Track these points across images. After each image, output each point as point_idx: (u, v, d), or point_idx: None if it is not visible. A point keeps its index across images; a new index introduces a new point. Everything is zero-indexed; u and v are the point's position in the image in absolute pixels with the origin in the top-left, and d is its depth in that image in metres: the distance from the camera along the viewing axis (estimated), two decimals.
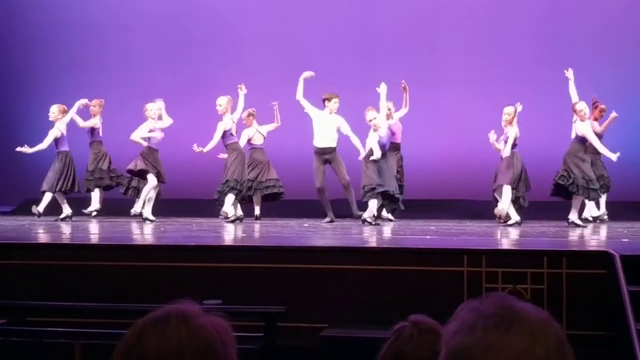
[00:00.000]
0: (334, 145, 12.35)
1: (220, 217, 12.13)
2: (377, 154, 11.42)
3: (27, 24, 15.38)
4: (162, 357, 1.53)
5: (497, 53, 14.09)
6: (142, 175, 12.21)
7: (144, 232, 10.85)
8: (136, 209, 12.11)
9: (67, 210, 12.46)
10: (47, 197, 12.48)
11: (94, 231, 11.02)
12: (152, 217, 11.99)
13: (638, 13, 13.89)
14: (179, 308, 1.61)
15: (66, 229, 11.01)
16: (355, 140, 12.24)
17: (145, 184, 12.29)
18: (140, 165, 12.05)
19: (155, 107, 12.45)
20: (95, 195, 12.87)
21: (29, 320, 6.94)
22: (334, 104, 12.32)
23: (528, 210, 12.35)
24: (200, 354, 1.54)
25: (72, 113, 12.55)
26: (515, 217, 11.41)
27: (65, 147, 12.56)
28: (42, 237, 10.25)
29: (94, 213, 12.77)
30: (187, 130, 13.82)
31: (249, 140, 12.74)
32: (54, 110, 12.55)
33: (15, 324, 6.52)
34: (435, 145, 13.80)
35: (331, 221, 12.08)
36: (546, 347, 1.41)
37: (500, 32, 14.17)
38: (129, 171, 12.26)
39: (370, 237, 9.98)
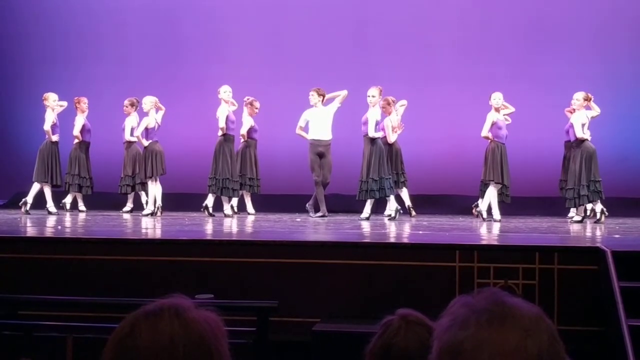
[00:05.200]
0: (326, 138, 12.35)
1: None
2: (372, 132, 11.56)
3: (23, 18, 15.33)
4: (155, 350, 1.53)
5: (488, 51, 14.11)
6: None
7: (136, 227, 10.84)
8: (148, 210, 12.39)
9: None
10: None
11: (87, 225, 11.00)
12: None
13: (627, 10, 13.92)
14: (171, 302, 1.61)
15: (59, 223, 10.99)
16: (342, 93, 12.36)
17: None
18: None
19: (149, 101, 12.52)
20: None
21: (21, 314, 6.92)
22: (311, 97, 12.38)
23: (520, 206, 12.39)
24: (193, 347, 1.55)
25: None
26: (496, 215, 11.47)
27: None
28: (34, 231, 10.22)
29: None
30: (179, 125, 13.83)
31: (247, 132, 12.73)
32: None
33: (7, 317, 6.50)
34: (427, 142, 13.81)
35: (323, 215, 12.11)
36: (538, 343, 1.41)
37: (492, 31, 14.18)
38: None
39: (362, 232, 9.98)
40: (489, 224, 11.00)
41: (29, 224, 10.89)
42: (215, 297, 6.75)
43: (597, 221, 11.10)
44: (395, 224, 10.98)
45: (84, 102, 13.04)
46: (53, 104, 12.67)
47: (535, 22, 14.12)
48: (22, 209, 12.32)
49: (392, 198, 11.77)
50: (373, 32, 14.48)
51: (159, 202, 12.34)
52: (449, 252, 7.42)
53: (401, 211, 11.89)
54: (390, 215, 11.65)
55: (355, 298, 7.44)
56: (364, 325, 6.19)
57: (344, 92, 12.40)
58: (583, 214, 11.40)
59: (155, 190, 12.38)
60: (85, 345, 5.63)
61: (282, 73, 14.28)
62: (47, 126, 12.51)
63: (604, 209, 11.18)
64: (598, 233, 9.90)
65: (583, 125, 11.21)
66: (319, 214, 12.20)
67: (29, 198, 12.40)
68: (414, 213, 12.43)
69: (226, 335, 1.63)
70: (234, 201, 12.41)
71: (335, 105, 12.43)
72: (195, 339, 1.56)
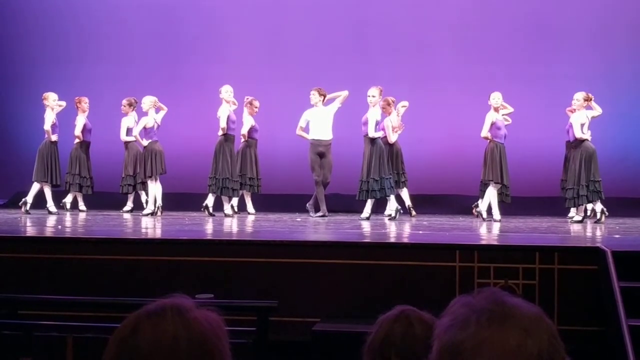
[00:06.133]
0: (327, 137, 12.35)
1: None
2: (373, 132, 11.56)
3: (22, 17, 15.33)
4: (157, 348, 1.53)
5: (487, 50, 14.11)
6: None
7: (136, 226, 10.84)
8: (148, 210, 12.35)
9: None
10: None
11: (87, 225, 11.00)
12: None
13: (627, 11, 13.92)
14: (173, 301, 1.61)
15: (59, 223, 10.99)
16: (343, 93, 12.36)
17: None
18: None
19: (149, 100, 12.53)
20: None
21: (21, 314, 6.92)
22: (312, 96, 12.40)
23: (520, 206, 12.39)
24: (195, 346, 1.55)
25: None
26: (495, 215, 11.48)
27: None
28: (34, 230, 10.22)
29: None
30: (180, 124, 13.83)
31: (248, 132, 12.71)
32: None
33: (7, 317, 6.49)
34: (427, 142, 13.82)
35: (323, 215, 12.11)
36: (538, 343, 1.41)
37: (492, 31, 14.18)
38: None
39: (362, 232, 9.98)
40: (489, 224, 11.00)
41: (29, 224, 10.89)
42: (215, 297, 6.74)
43: (598, 221, 11.09)
44: (395, 224, 10.98)
45: (85, 102, 13.06)
46: (53, 104, 12.68)
47: (535, 22, 14.12)
48: (22, 209, 12.32)
49: (392, 198, 11.78)
50: (373, 32, 14.48)
51: (159, 202, 12.33)
52: (449, 252, 7.42)
53: (401, 211, 11.89)
54: (390, 215, 11.65)
55: (355, 298, 7.44)
56: (364, 325, 6.18)
57: (345, 93, 12.41)
58: (583, 214, 11.40)
59: (155, 189, 12.37)
60: (85, 345, 5.63)
61: (282, 73, 14.28)
62: (47, 126, 12.51)
63: (604, 209, 11.17)
64: (598, 233, 9.90)
65: (582, 125, 11.20)
66: (319, 213, 12.20)
67: (29, 198, 12.41)
68: (414, 213, 12.43)
69: (227, 335, 1.63)
70: (234, 201, 12.41)
71: (335, 105, 12.44)
72: (198, 338, 1.56)
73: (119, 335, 1.58)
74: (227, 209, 12.12)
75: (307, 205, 12.51)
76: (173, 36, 14.93)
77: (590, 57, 13.86)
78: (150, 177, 12.34)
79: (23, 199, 12.44)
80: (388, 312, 2.73)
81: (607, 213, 11.20)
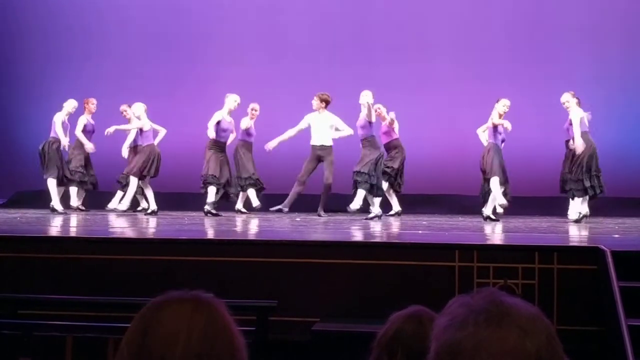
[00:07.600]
0: (327, 143, 12.32)
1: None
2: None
3: (24, 18, 15.33)
4: (176, 327, 1.59)
5: (485, 51, 14.12)
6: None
7: (135, 226, 10.84)
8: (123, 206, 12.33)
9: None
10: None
11: (86, 224, 11.00)
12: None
13: (619, 11, 13.94)
14: (196, 292, 1.70)
15: (58, 222, 10.99)
16: (347, 132, 12.33)
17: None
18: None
19: (139, 106, 12.55)
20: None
21: (21, 313, 6.92)
22: (313, 102, 12.35)
23: (520, 206, 12.39)
24: (213, 327, 1.60)
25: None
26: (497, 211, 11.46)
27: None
28: (33, 230, 10.21)
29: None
30: (178, 124, 13.84)
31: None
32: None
33: (6, 316, 6.50)
34: (426, 141, 13.82)
35: (280, 210, 12.07)
36: (537, 343, 1.42)
37: (492, 31, 14.19)
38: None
39: (362, 232, 9.98)
40: (488, 224, 11.00)
41: (28, 223, 10.87)
42: (214, 297, 6.74)
43: (577, 221, 11.08)
44: (395, 224, 10.98)
45: (92, 103, 13.08)
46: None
47: (535, 23, 14.14)
48: (55, 213, 12.15)
49: (394, 198, 11.78)
50: (373, 33, 14.49)
51: (143, 204, 12.46)
52: (448, 252, 7.42)
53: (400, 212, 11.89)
54: (377, 215, 11.62)
55: (354, 297, 7.44)
56: (363, 325, 6.20)
57: (349, 132, 12.35)
58: (583, 214, 11.41)
59: (137, 188, 12.37)
60: (85, 345, 5.63)
61: (281, 74, 14.28)
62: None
63: (588, 213, 11.17)
64: (597, 233, 9.90)
65: (582, 118, 11.20)
66: (279, 206, 12.20)
67: (54, 200, 12.27)
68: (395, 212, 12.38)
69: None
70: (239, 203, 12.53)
71: (335, 121, 12.36)
72: (216, 321, 1.64)
73: (142, 313, 1.64)
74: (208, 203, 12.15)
75: (319, 210, 12.36)
76: (172, 36, 14.93)
77: (589, 57, 13.87)
78: (145, 177, 12.32)
79: (51, 205, 12.29)
80: (401, 310, 2.75)
81: (587, 217, 11.19)
